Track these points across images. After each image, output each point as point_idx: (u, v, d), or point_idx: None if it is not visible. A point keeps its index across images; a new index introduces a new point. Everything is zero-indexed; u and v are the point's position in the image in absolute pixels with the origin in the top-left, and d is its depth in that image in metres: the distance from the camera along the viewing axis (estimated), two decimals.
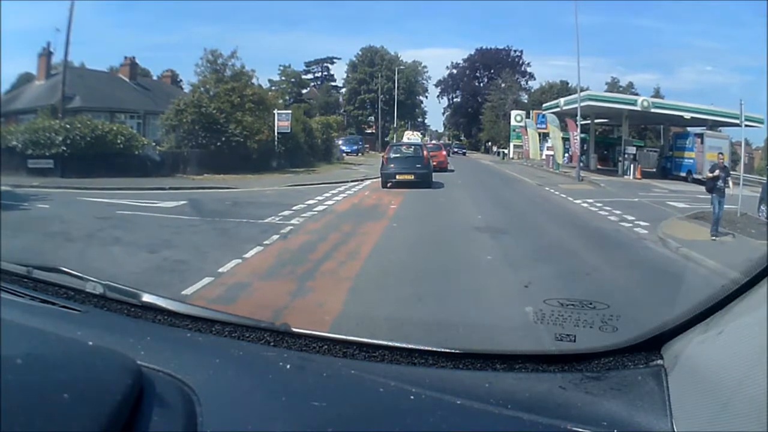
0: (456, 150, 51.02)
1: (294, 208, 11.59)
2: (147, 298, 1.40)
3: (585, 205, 14.73)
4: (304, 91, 64.39)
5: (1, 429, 0.74)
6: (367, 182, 19.44)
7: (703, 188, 23.37)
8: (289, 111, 25.93)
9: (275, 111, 24.03)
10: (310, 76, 67.08)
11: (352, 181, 19.62)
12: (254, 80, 23.15)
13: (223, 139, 20.79)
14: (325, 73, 68.32)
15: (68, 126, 18.98)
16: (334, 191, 15.76)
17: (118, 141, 19.53)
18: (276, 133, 23.50)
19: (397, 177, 17.15)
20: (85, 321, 1.33)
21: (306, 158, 25.91)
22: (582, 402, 1.06)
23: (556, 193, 18.05)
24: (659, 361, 1.14)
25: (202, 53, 23.22)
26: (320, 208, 11.87)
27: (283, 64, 62.06)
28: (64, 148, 18.57)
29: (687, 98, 28.89)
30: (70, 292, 1.45)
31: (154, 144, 20.90)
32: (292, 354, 1.23)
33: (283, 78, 62.90)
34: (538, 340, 2.54)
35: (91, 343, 1.08)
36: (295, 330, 1.29)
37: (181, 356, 1.15)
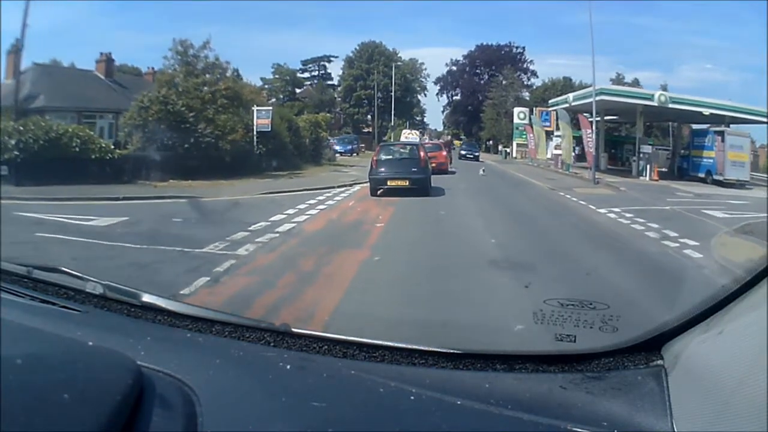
0: (465, 152, 38.92)
1: (252, 227, 9.09)
2: (147, 298, 1.38)
3: (612, 215, 12.35)
4: (299, 90, 62.50)
5: (1, 429, 0.72)
6: (356, 188, 16.94)
7: (730, 191, 21.54)
8: (270, 107, 23.35)
9: (254, 107, 21.47)
10: (306, 74, 65.44)
11: (338, 187, 17.13)
12: (229, 73, 20.54)
13: (192, 140, 18.27)
14: (322, 71, 66.59)
15: (22, 128, 16.74)
16: (312, 201, 13.22)
17: (74, 144, 17.30)
18: (255, 132, 21.00)
19: (389, 183, 14.50)
20: (85, 321, 1.32)
21: (291, 160, 23.41)
22: (582, 402, 1.05)
23: (574, 199, 15.60)
24: (659, 361, 1.12)
25: (171, 44, 20.65)
26: (285, 227, 9.32)
27: (277, 63, 60.04)
28: (17, 153, 16.34)
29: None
30: (70, 292, 1.44)
31: (113, 147, 18.46)
32: (292, 354, 1.21)
33: (277, 76, 60.76)
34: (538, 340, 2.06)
35: (91, 343, 1.07)
36: (295, 330, 1.27)
37: (181, 356, 1.13)
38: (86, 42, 53.77)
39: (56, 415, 0.79)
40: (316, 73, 66.26)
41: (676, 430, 0.94)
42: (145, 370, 0.97)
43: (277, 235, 8.51)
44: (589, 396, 1.07)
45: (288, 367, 1.13)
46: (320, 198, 13.92)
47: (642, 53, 79.96)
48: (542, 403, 1.05)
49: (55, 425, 0.77)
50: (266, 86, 59.62)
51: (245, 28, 79.87)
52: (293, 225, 9.54)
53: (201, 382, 1.01)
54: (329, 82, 65.15)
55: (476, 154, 39.09)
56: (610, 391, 1.08)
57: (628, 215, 12.20)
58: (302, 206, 12.08)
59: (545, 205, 14.09)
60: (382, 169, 14.85)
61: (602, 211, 13.02)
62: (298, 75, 63.53)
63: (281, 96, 59.72)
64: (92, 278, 1.43)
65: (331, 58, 65.26)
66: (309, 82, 64.88)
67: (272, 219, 10.04)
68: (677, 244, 9.11)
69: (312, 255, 6.96)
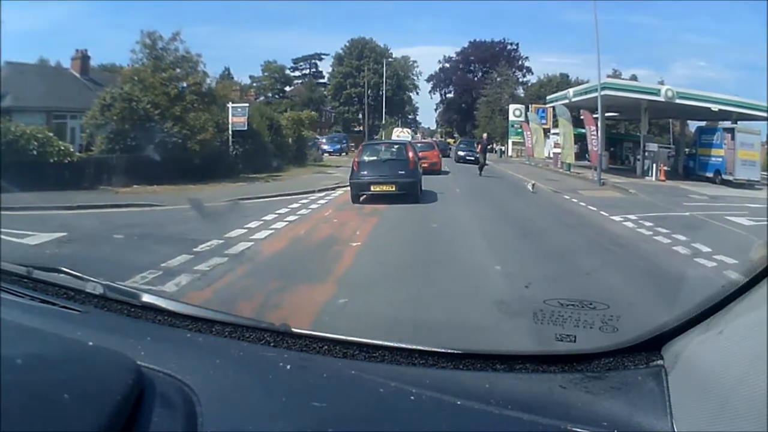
0: (463, 153, 31.61)
1: (199, 247, 7.36)
2: (147, 298, 1.39)
3: (629, 224, 10.75)
4: (289, 88, 60.94)
5: (1, 429, 0.73)
6: (339, 192, 15.22)
7: (743, 192, 20.05)
8: (246, 104, 21.46)
9: (229, 104, 19.68)
10: (297, 73, 64.01)
11: (319, 191, 15.39)
12: (200, 66, 18.67)
13: (157, 140, 16.50)
14: (314, 70, 65.17)
15: None
16: (284, 209, 11.45)
17: (31, 147, 15.60)
18: (230, 132, 19.24)
19: (372, 189, 12.62)
20: (85, 321, 1.32)
21: (272, 161, 21.62)
22: (582, 402, 1.05)
23: (582, 204, 13.97)
24: (659, 361, 1.12)
25: (139, 36, 18.74)
26: (239, 247, 7.52)
27: (267, 60, 58.49)
28: None
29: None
30: (70, 293, 1.43)
31: (72, 150, 16.68)
32: (293, 354, 1.20)
33: (266, 74, 59.02)
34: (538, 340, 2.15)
35: (91, 343, 1.07)
36: (295, 330, 1.26)
37: (181, 356, 1.13)
38: (81, 42, 53.28)
39: (56, 415, 0.78)
40: (307, 71, 64.87)
41: (676, 430, 0.94)
42: (145, 370, 0.97)
43: (225, 259, 6.74)
44: (589, 396, 1.06)
45: (288, 367, 1.12)
46: (294, 206, 12.11)
47: (636, 51, 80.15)
48: (542, 403, 1.04)
49: (55, 425, 0.77)
50: (255, 84, 58.07)
51: (240, 29, 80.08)
52: (249, 244, 7.73)
53: (201, 382, 1.00)
54: (320, 81, 63.70)
55: (478, 155, 31.02)
56: (610, 391, 1.07)
57: (647, 224, 10.64)
58: (269, 217, 10.31)
59: (552, 213, 12.35)
60: (365, 172, 12.95)
61: (616, 218, 11.43)
62: (290, 74, 62.31)
63: (270, 94, 58.10)
64: (92, 278, 1.40)
65: (323, 56, 63.99)
66: (300, 81, 63.37)
67: (228, 235, 8.29)
68: (714, 263, 7.56)
69: (256, 295, 5.15)
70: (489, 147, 30.28)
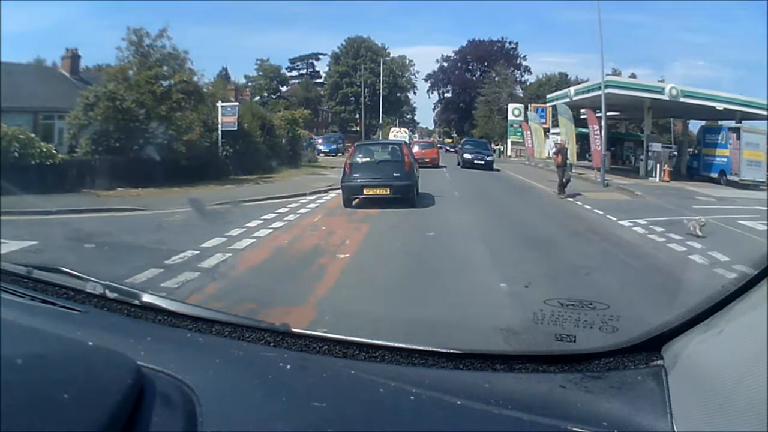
0: (471, 156, 25.53)
1: (171, 259, 6.65)
2: (147, 298, 1.37)
3: (639, 230, 10.11)
4: (285, 88, 60.25)
5: (1, 429, 0.72)
6: (331, 195, 14.50)
7: (750, 194, 19.40)
8: (236, 103, 20.72)
9: (218, 104, 18.95)
10: (294, 73, 63.32)
11: (310, 194, 14.70)
12: (188, 64, 17.91)
13: (142, 141, 15.78)
14: (311, 69, 64.49)
15: None
16: (271, 214, 10.73)
17: (12, 148, 14.94)
18: (219, 132, 18.52)
19: (365, 192, 11.86)
20: (85, 321, 1.31)
21: (264, 162, 20.93)
22: (582, 402, 1.04)
23: (587, 207, 13.30)
24: (659, 361, 1.11)
25: (125, 33, 17.98)
26: (214, 259, 6.77)
27: (260, 58, 57.70)
28: None
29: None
30: (70, 292, 1.42)
31: (54, 151, 15.98)
32: (293, 354, 1.20)
33: (260, 73, 58.24)
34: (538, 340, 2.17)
35: (91, 343, 1.05)
36: (295, 330, 1.25)
37: (181, 356, 1.12)
38: (81, 43, 53.17)
39: (56, 415, 0.78)
40: (304, 71, 64.22)
41: (675, 429, 0.93)
42: (145, 370, 0.96)
43: (196, 275, 6.01)
44: (588, 396, 1.05)
45: (288, 367, 1.11)
46: (281, 210, 11.37)
47: (634, 50, 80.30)
48: (542, 403, 1.04)
49: (55, 425, 0.76)
50: (250, 83, 57.33)
51: (238, 29, 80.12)
52: (227, 256, 7.02)
53: (201, 382, 0.99)
54: (318, 80, 63.02)
55: (489, 158, 25.66)
56: (609, 391, 1.06)
57: (658, 229, 10.00)
58: (254, 223, 9.58)
59: (559, 219, 11.57)
60: (357, 175, 12.12)
61: (625, 223, 10.77)
62: (287, 74, 61.64)
63: (266, 94, 57.35)
64: (92, 278, 1.39)
65: (320, 56, 63.35)
66: (297, 81, 62.67)
67: (205, 245, 7.58)
68: (735, 275, 6.85)
69: None
70: (493, 148, 29.07)
